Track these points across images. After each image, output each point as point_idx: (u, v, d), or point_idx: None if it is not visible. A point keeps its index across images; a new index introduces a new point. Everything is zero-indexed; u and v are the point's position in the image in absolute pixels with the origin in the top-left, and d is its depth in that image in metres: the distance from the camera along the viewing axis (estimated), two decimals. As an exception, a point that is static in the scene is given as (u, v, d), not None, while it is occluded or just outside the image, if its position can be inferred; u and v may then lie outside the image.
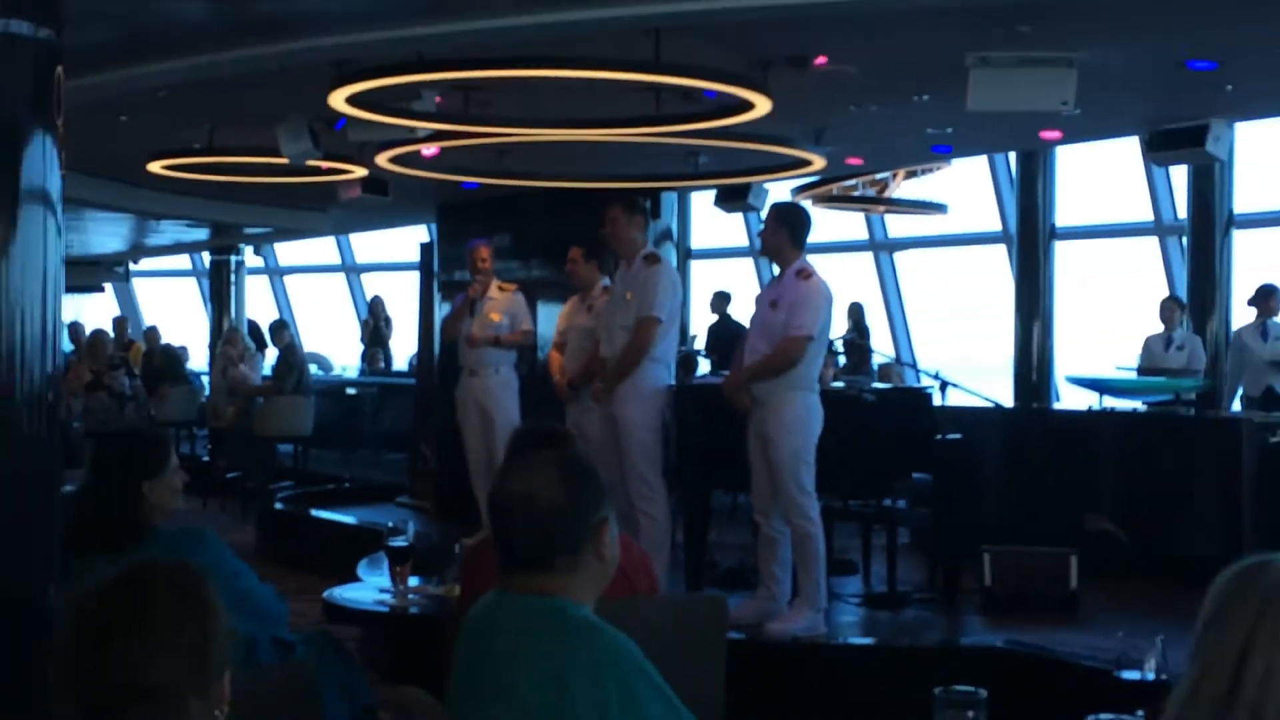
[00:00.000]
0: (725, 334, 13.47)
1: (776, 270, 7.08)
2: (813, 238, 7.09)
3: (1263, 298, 10.87)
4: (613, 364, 7.63)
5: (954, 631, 7.15)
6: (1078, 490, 8.95)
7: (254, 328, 17.86)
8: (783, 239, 6.91)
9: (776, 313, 6.82)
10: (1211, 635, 1.95)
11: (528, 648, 2.76)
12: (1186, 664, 1.97)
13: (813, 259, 7.10)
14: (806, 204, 12.94)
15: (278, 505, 11.81)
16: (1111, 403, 9.88)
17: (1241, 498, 8.17)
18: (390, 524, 6.60)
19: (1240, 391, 10.88)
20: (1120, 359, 11.13)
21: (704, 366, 12.72)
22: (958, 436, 8.18)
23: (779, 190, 12.22)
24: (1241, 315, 11.87)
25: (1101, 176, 14.33)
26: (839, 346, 12.50)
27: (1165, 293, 13.67)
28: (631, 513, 7.32)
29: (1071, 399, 11.50)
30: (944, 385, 8.28)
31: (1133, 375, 10.55)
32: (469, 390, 9.13)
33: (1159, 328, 11.28)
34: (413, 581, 6.10)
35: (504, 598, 2.87)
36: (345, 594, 6.28)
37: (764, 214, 7.26)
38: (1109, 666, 5.56)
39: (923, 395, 8.37)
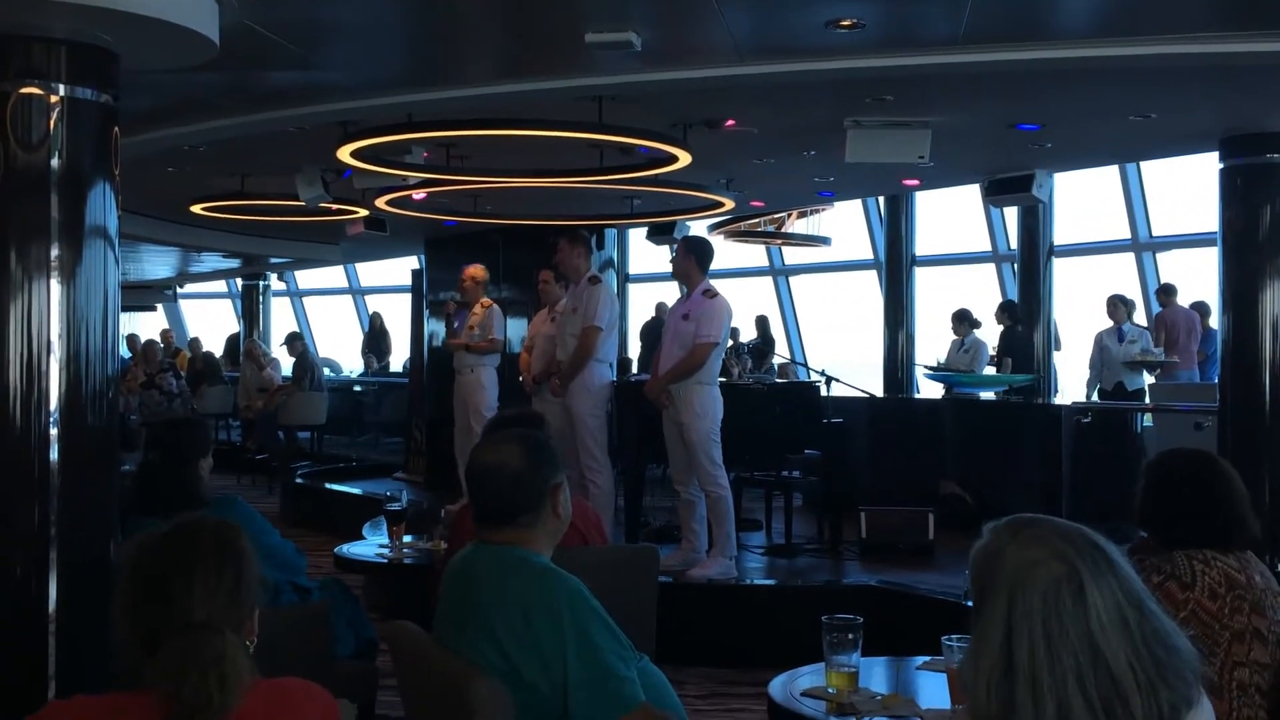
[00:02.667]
0: (657, 331, 13.55)
1: (685, 290, 7.09)
2: (723, 264, 7.13)
3: (1113, 306, 10.92)
4: (565, 365, 7.66)
5: (837, 574, 7.18)
6: (933, 462, 9.03)
7: (217, 352, 17.47)
8: (690, 265, 6.96)
9: (688, 324, 6.85)
10: (978, 613, 1.82)
11: (497, 588, 2.76)
12: (970, 631, 1.85)
13: (722, 283, 7.13)
14: (719, 239, 12.99)
15: (297, 480, 11.73)
16: (959, 394, 9.98)
17: (1060, 466, 8.27)
18: (388, 493, 6.53)
19: (1098, 385, 10.90)
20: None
21: (635, 367, 12.74)
22: (839, 420, 8.24)
23: (698, 227, 12.24)
24: (1064, 326, 12.04)
25: (950, 215, 14.45)
26: (748, 351, 12.57)
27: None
28: (582, 482, 7.32)
29: (928, 391, 11.60)
30: (829, 380, 8.32)
31: (972, 373, 10.61)
32: (457, 387, 9.14)
33: (996, 333, 11.37)
34: (406, 539, 6.06)
35: (478, 548, 2.87)
36: (352, 549, 6.23)
37: (676, 246, 7.25)
38: (959, 598, 5.61)
39: (812, 388, 8.42)
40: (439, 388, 11.68)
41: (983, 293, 14.08)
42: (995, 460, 8.79)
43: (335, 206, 9.76)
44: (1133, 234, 12.91)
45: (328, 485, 11.28)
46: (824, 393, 8.28)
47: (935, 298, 14.29)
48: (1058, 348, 11.98)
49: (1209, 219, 12.16)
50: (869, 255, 14.79)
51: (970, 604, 1.92)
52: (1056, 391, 11.83)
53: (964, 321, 11.14)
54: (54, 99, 4.13)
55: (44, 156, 4.10)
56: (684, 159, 7.12)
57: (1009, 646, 1.77)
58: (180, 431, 4.15)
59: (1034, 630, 1.77)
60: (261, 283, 18.85)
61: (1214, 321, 10.74)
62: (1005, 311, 11.30)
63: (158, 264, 17.22)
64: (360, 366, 17.23)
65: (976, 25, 5.09)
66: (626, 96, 6.45)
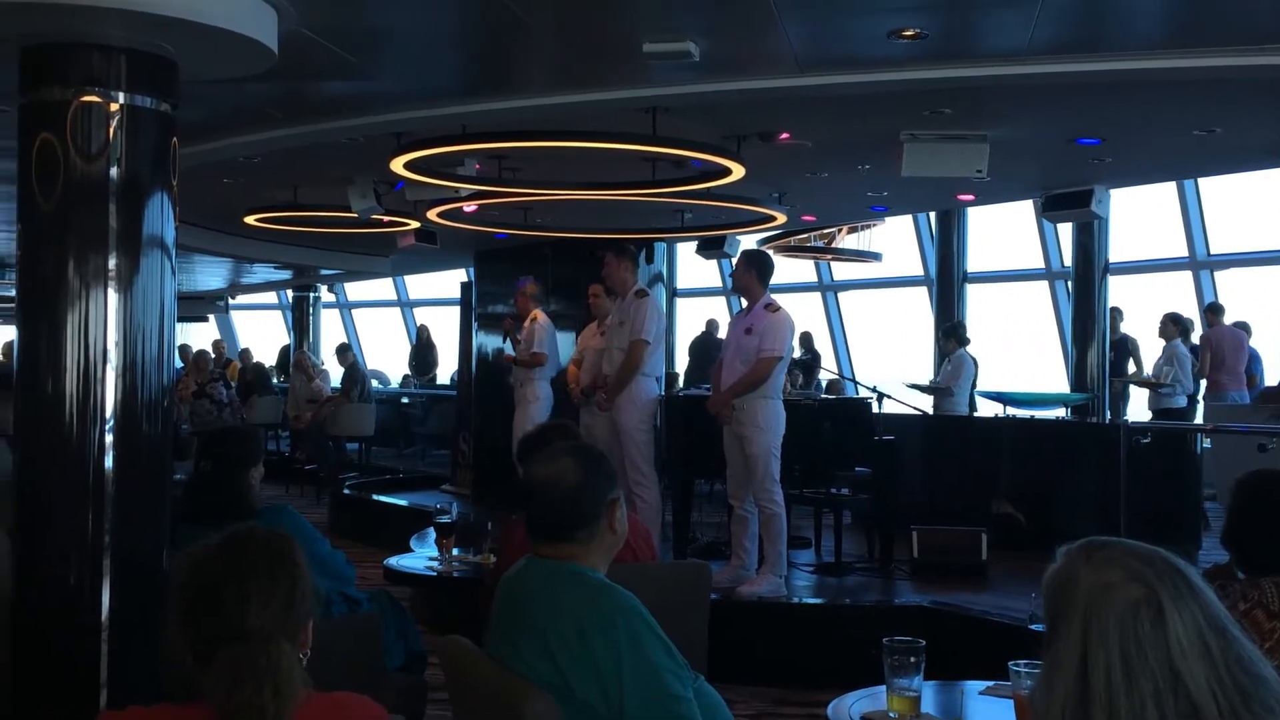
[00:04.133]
0: (707, 347, 13.54)
1: (745, 304, 7.05)
2: (776, 279, 7.07)
3: (1165, 325, 10.83)
4: (612, 378, 7.63)
5: (888, 593, 7.08)
6: (986, 481, 8.91)
7: (272, 362, 17.66)
8: (752, 278, 6.91)
9: (751, 338, 6.79)
10: (1052, 638, 1.75)
11: (552, 603, 2.71)
12: (1042, 656, 1.78)
13: (775, 297, 7.08)
14: (769, 252, 12.94)
15: (346, 491, 11.75)
16: (1013, 412, 9.85)
17: (1118, 486, 8.12)
18: (437, 505, 6.52)
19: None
20: (1022, 378, 11.12)
21: (681, 382, 12.69)
22: (891, 438, 8.15)
23: (748, 241, 12.19)
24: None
25: (1003, 231, 14.32)
26: (795, 367, 12.49)
27: (1053, 324, 13.68)
28: (629, 497, 7.27)
29: (982, 409, 11.48)
30: (880, 397, 8.22)
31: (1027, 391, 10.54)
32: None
33: (1050, 351, 11.25)
34: (455, 551, 6.03)
35: (533, 563, 2.82)
36: (401, 561, 6.20)
37: (735, 259, 7.21)
38: (1015, 620, 5.51)
39: (863, 404, 8.34)
40: (487, 401, 11.69)
41: (1036, 310, 13.94)
42: (1050, 480, 8.65)
43: (386, 218, 9.78)
44: (1190, 251, 12.72)
45: (375, 496, 11.29)
46: (875, 410, 8.19)
47: (988, 315, 14.18)
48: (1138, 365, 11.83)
49: (1270, 236, 11.97)
50: (919, 271, 14.68)
51: (1036, 628, 1.83)
52: (1125, 410, 11.69)
53: (950, 337, 11.14)
54: (114, 107, 4.14)
55: (103, 166, 4.11)
56: (737, 172, 7.08)
57: (1084, 672, 1.70)
58: (232, 440, 4.14)
59: (1111, 655, 1.69)
60: (312, 294, 18.97)
61: (1255, 342, 10.67)
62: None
63: (210, 275, 17.39)
64: (402, 377, 17.28)
65: (1042, 35, 5.02)
66: (681, 108, 6.43)
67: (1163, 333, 10.91)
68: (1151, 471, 8.23)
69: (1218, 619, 1.75)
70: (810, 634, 6.55)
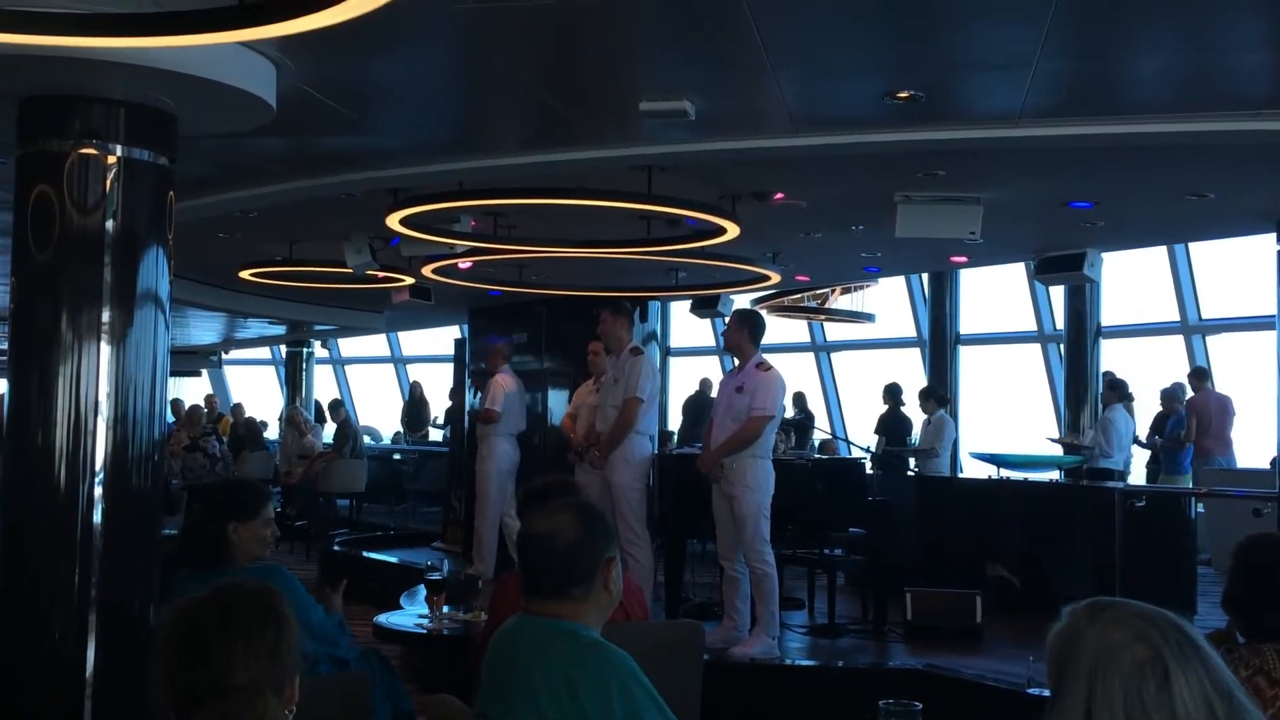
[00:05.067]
0: (700, 405, 13.52)
1: (737, 363, 7.04)
2: (769, 340, 7.08)
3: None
4: (606, 436, 7.60)
5: (882, 656, 7.01)
6: (980, 543, 8.85)
7: (317, 406, 17.75)
8: (744, 338, 6.91)
9: (742, 397, 6.78)
10: (1056, 697, 1.74)
11: (546, 662, 2.67)
12: (1046, 716, 1.76)
13: (767, 357, 7.08)
14: (762, 312, 12.96)
15: (336, 547, 11.65)
16: (1007, 474, 9.83)
17: (1113, 549, 8.08)
18: (428, 563, 6.45)
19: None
20: (1015, 439, 11.19)
21: (676, 441, 12.64)
22: (884, 498, 8.10)
23: (741, 301, 12.21)
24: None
25: (995, 293, 14.37)
26: (788, 426, 12.48)
27: (1046, 386, 13.70)
28: (621, 556, 7.20)
29: (973, 470, 11.46)
30: (873, 457, 8.18)
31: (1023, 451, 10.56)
32: None
33: (1042, 414, 11.28)
34: (445, 609, 5.96)
35: (526, 620, 2.78)
36: (391, 619, 6.14)
37: (728, 318, 7.22)
38: (1019, 685, 5.45)
39: (857, 465, 8.30)
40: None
41: (1028, 372, 13.96)
42: (1044, 543, 8.60)
43: (381, 274, 9.78)
44: (1181, 315, 12.76)
45: (366, 554, 11.21)
46: (868, 470, 8.15)
47: (980, 376, 14.19)
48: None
49: (1262, 301, 12.02)
50: (912, 333, 14.70)
51: (1033, 692, 1.81)
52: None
53: (929, 399, 11.23)
54: (111, 159, 4.14)
55: (99, 218, 4.11)
56: (732, 231, 7.10)
57: None
58: (225, 489, 4.08)
59: (1115, 716, 1.67)
60: (305, 350, 18.94)
61: (1253, 405, 10.77)
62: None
63: (204, 329, 17.37)
64: (394, 434, 17.23)
65: (1035, 98, 5.05)
66: (676, 167, 6.44)
67: (1103, 397, 11.02)
68: (1146, 535, 8.19)
69: (1223, 683, 1.72)
70: (804, 697, 6.46)
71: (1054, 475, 10.28)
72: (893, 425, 12.24)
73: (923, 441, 11.11)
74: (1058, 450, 11.10)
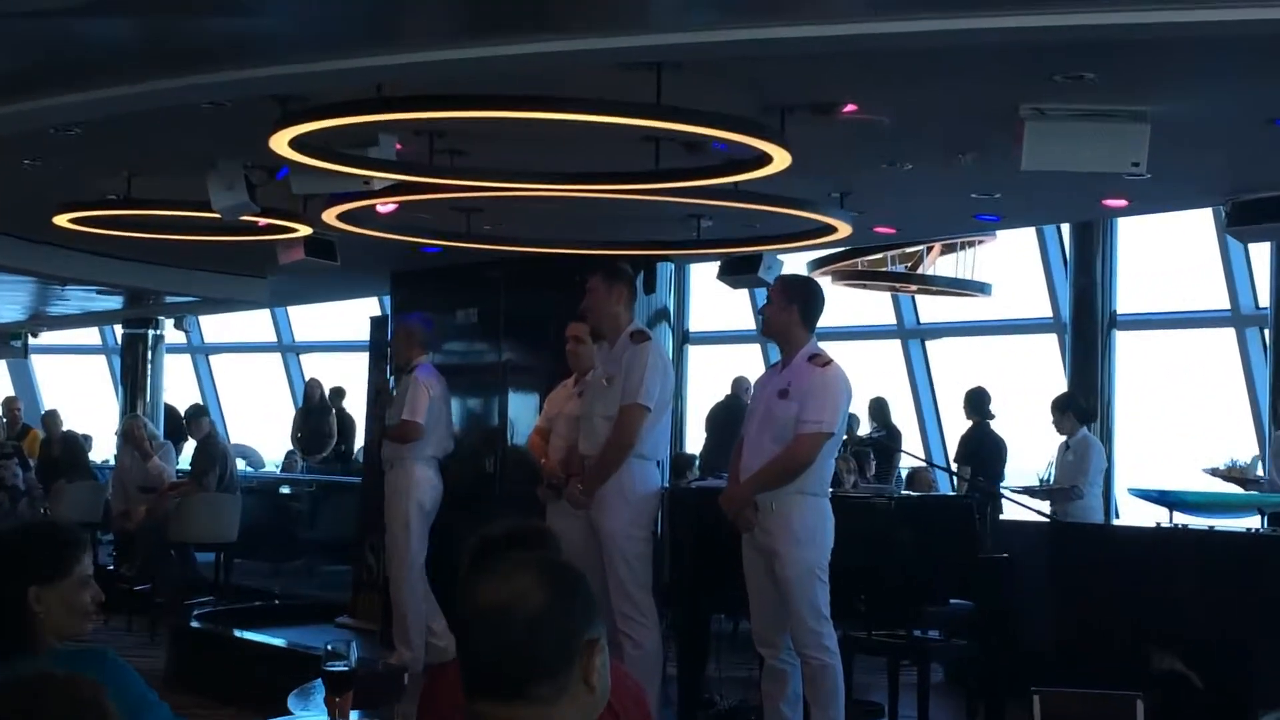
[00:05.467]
0: (733, 417, 13.51)
1: (782, 355, 7.06)
2: (833, 320, 7.11)
3: None
4: (593, 462, 7.59)
5: (998, 790, 7.02)
6: (1144, 622, 8.85)
7: (171, 415, 17.76)
8: (792, 317, 6.93)
9: (787, 404, 6.81)
10: None
11: (497, 795, 2.66)
12: None
13: (828, 345, 7.09)
14: (823, 281, 12.95)
15: (194, 624, 11.67)
16: (1183, 519, 9.82)
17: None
18: (328, 646, 6.46)
19: None
20: (1194, 469, 11.15)
21: (698, 468, 12.66)
22: (1003, 556, 8.11)
23: (794, 263, 12.19)
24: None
25: (1171, 256, 14.33)
26: (864, 448, 12.51)
27: (1244, 391, 13.68)
28: (615, 638, 7.23)
29: (1135, 514, 11.43)
30: (987, 495, 8.19)
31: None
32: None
33: (1241, 428, 11.27)
34: (354, 716, 5.96)
35: (469, 732, 2.78)
36: (273, 730, 6.15)
37: (769, 289, 7.23)
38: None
39: (961, 506, 8.32)
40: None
41: (1217, 368, 13.94)
42: (1241, 622, 8.60)
43: (263, 221, 9.78)
44: None
45: (237, 633, 11.22)
46: (978, 513, 8.16)
47: (1146, 374, 14.17)
48: None
49: None
50: (1047, 312, 14.70)
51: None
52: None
53: (1067, 411, 11.14)
54: None
55: None
56: (780, 160, 7.09)
57: None
58: (20, 539, 4.06)
59: None
60: (151, 332, 18.95)
61: None
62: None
63: (1, 302, 17.38)
64: (295, 457, 17.26)
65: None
66: (697, 64, 6.42)
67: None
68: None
69: None
70: None
71: (1254, 524, 10.27)
72: (978, 448, 12.27)
73: (1059, 475, 11.08)
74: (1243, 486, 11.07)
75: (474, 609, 2.77)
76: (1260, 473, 10.93)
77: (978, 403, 12.57)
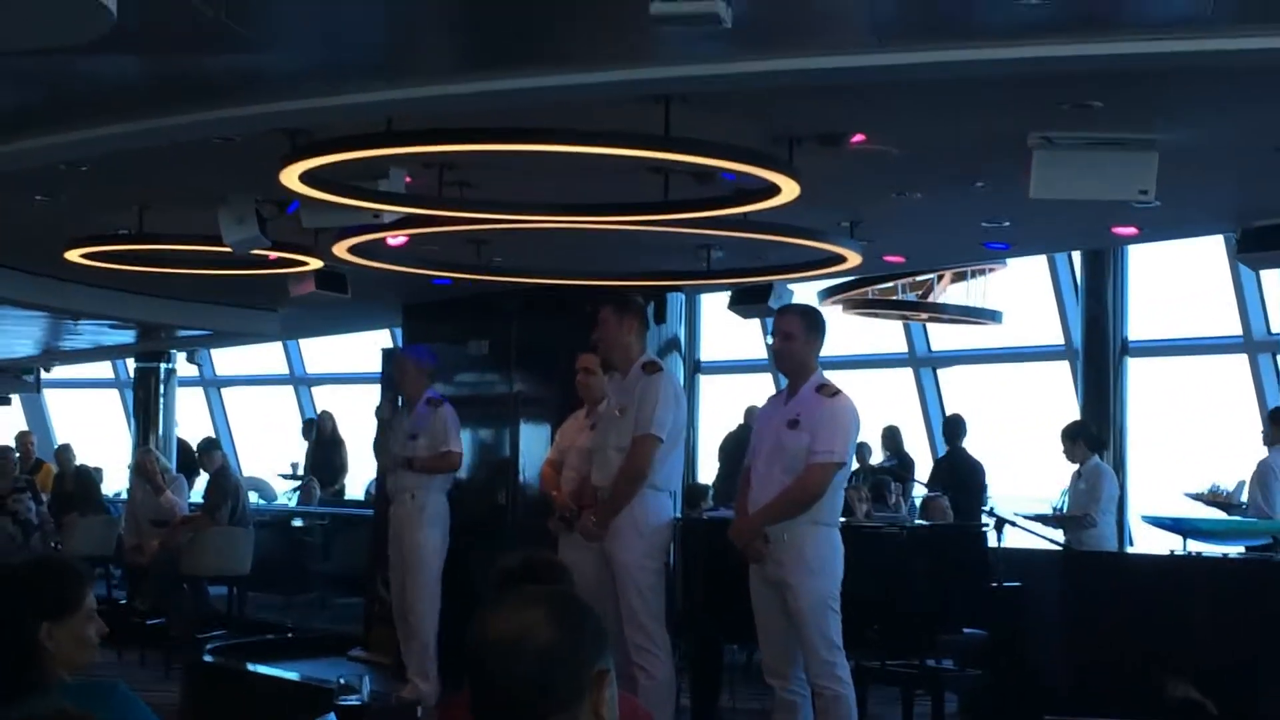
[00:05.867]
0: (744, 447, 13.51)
1: (789, 384, 7.07)
2: (844, 349, 7.14)
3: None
4: (605, 493, 7.60)
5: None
6: (1158, 649, 8.83)
7: (183, 448, 17.78)
8: (812, 349, 6.93)
9: (797, 435, 6.80)
10: None
11: (508, 827, 2.67)
12: None
13: (835, 375, 7.11)
14: (833, 310, 12.94)
15: (207, 658, 11.65)
16: (1197, 547, 9.81)
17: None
18: (341, 680, 6.48)
19: None
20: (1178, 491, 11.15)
21: (711, 499, 12.64)
22: (1016, 584, 8.09)
23: (805, 293, 12.19)
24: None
25: (1183, 282, 14.31)
26: (883, 476, 12.50)
27: (1257, 417, 13.64)
28: (627, 669, 7.22)
29: (1149, 541, 11.40)
30: (999, 523, 8.18)
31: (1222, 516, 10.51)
32: (390, 520, 9.71)
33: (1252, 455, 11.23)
34: (367, 749, 5.96)
35: (480, 766, 2.78)
36: (286, 764, 6.15)
37: (779, 318, 7.23)
38: None
39: (974, 534, 8.30)
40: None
41: (1230, 391, 13.91)
42: (1256, 649, 8.58)
43: (274, 255, 9.80)
44: None
45: (251, 667, 11.21)
46: (991, 542, 8.16)
47: (1159, 401, 14.12)
48: None
49: None
50: (1059, 339, 14.69)
51: None
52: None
53: (1078, 439, 11.14)
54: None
55: None
56: (789, 190, 7.11)
57: None
58: (31, 576, 4.07)
59: None
60: (163, 365, 18.98)
61: None
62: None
63: (14, 337, 17.40)
64: (294, 489, 17.25)
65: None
66: (706, 97, 6.43)
67: (1266, 435, 11.11)
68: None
69: None
70: None
71: (1232, 551, 10.24)
72: (954, 473, 12.41)
73: (1072, 503, 11.07)
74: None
75: (485, 642, 2.78)
76: (1244, 498, 10.92)
77: (954, 429, 12.71)
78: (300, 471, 17.34)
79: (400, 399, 9.90)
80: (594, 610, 2.87)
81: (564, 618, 2.76)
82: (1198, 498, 11.23)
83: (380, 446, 9.93)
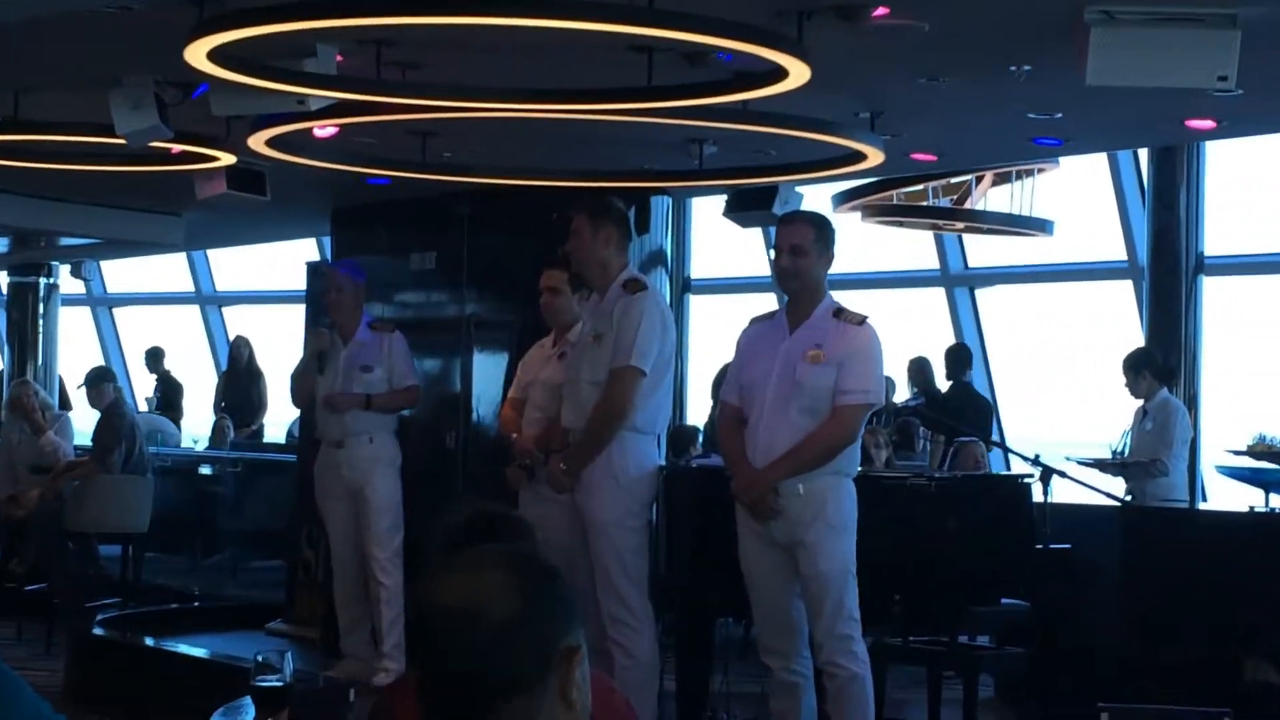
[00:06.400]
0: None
1: (796, 308, 7.11)
2: (851, 264, 7.18)
3: None
4: (577, 436, 7.65)
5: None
6: (1233, 625, 8.91)
7: (62, 383, 17.80)
8: (817, 261, 6.96)
9: (820, 369, 6.86)
10: None
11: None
12: None
13: (847, 295, 7.13)
14: (850, 218, 12.96)
15: (97, 631, 11.70)
16: (1280, 501, 9.88)
17: None
18: (259, 657, 6.52)
19: None
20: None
21: (701, 443, 12.70)
22: (1065, 546, 8.16)
23: (816, 197, 12.20)
24: None
25: (1268, 187, 14.33)
26: (910, 418, 12.56)
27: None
28: (602, 644, 7.28)
29: (1225, 495, 11.47)
30: (1046, 473, 8.24)
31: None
32: (331, 467, 9.69)
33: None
34: (290, 739, 6.03)
35: (427, 757, 2.83)
36: (194, 757, 6.22)
37: (785, 228, 7.23)
38: None
39: (1016, 487, 8.36)
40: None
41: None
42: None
43: (177, 148, 9.79)
44: None
45: (149, 641, 11.26)
46: (1036, 496, 8.21)
47: (1237, 327, 14.18)
48: None
49: None
50: (1122, 254, 14.72)
51: None
52: None
53: (1142, 371, 11.18)
54: None
55: None
56: (797, 74, 7.12)
57: None
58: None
59: None
60: (43, 280, 18.96)
61: None
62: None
63: None
64: (211, 429, 17.30)
65: None
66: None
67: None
68: None
69: None
70: None
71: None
72: (962, 410, 12.77)
73: (1137, 447, 11.09)
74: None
75: (432, 613, 2.81)
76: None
77: (958, 361, 13.11)
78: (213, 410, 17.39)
79: (329, 323, 9.89)
80: (561, 574, 2.91)
81: (526, 583, 2.79)
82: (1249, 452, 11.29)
83: (301, 379, 9.97)
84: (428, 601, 2.80)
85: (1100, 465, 11.13)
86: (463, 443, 11.17)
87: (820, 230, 7.14)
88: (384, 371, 9.55)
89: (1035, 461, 8.52)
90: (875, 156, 9.35)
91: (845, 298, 7.26)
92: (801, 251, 6.99)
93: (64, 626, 12.45)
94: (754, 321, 7.44)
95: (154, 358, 18.89)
